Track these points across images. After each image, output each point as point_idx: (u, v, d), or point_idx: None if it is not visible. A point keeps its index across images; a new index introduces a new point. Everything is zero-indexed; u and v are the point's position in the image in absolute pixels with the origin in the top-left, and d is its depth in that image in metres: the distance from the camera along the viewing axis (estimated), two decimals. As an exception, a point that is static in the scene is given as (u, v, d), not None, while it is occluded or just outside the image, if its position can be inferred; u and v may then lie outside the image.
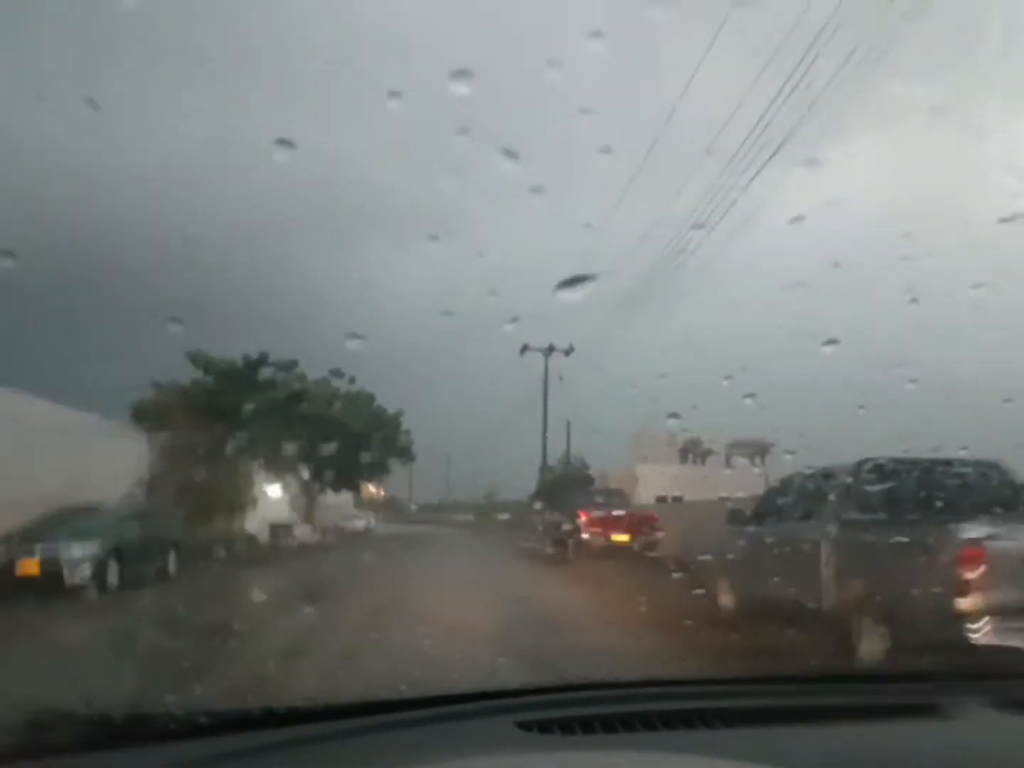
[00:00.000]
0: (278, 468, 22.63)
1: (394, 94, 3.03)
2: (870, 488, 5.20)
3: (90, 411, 16.46)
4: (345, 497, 35.85)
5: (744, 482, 19.49)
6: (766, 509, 6.52)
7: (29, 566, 9.50)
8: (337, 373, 23.69)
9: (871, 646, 4.43)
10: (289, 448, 22.09)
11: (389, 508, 51.32)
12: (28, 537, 9.94)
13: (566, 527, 14.86)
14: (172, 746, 1.18)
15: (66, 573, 9.44)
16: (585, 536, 13.92)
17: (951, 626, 4.04)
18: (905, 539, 4.57)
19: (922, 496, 5.16)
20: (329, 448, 24.84)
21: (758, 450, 48.25)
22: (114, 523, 10.99)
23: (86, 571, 9.68)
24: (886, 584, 4.51)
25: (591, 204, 29.87)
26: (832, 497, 5.42)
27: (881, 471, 5.25)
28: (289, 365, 21.39)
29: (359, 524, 32.97)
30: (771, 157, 10.56)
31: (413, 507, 55.48)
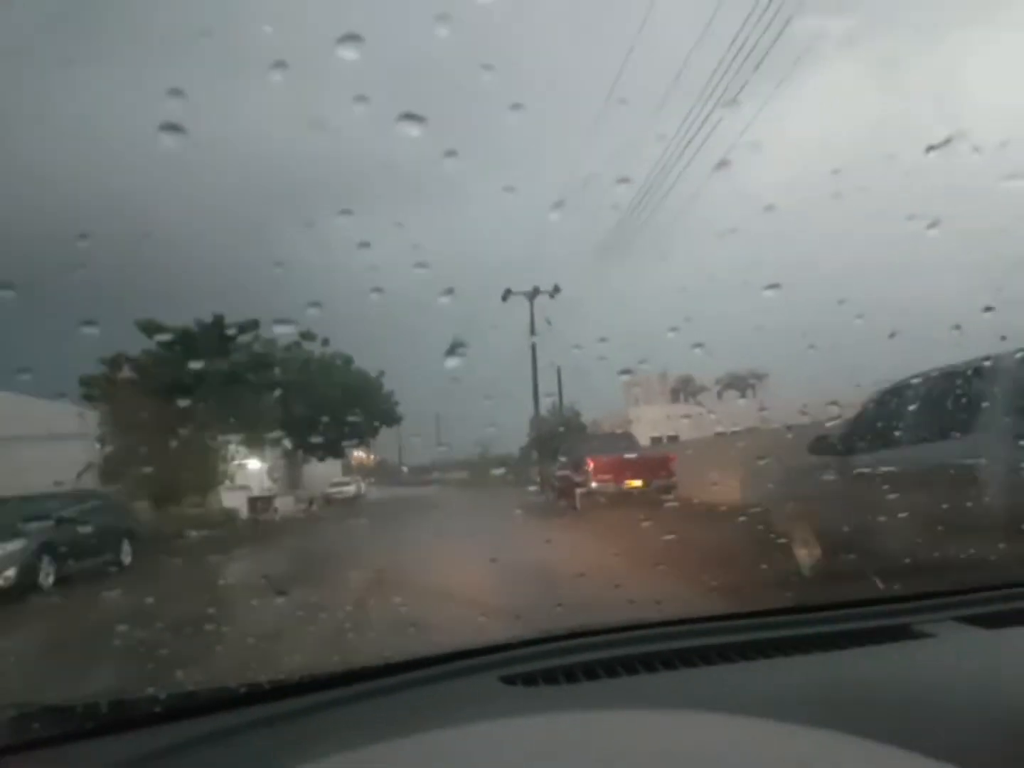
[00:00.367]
0: (253, 438, 20.94)
1: (278, 64, 2.82)
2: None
3: (34, 394, 14.81)
4: (332, 465, 34.62)
5: (741, 416, 18.49)
6: (865, 432, 4.99)
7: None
8: (308, 336, 21.95)
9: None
10: (264, 416, 20.38)
11: (380, 473, 50.46)
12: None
13: (572, 477, 13.39)
14: (159, 730, 1.18)
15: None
16: (594, 485, 12.48)
17: None
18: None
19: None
20: (308, 414, 23.46)
21: (753, 381, 47.66)
22: (45, 515, 9.35)
23: (9, 573, 8.18)
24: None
25: (509, 166, 28.36)
26: (991, 403, 3.88)
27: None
28: (249, 325, 19.41)
29: (348, 491, 31.61)
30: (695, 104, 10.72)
31: (404, 469, 54.59)
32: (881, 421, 4.99)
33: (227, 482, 19.68)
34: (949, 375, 4.52)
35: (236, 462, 19.24)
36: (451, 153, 3.17)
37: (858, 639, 1.47)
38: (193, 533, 14.01)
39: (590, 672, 1.36)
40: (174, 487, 15.52)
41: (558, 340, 28.67)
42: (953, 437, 4.15)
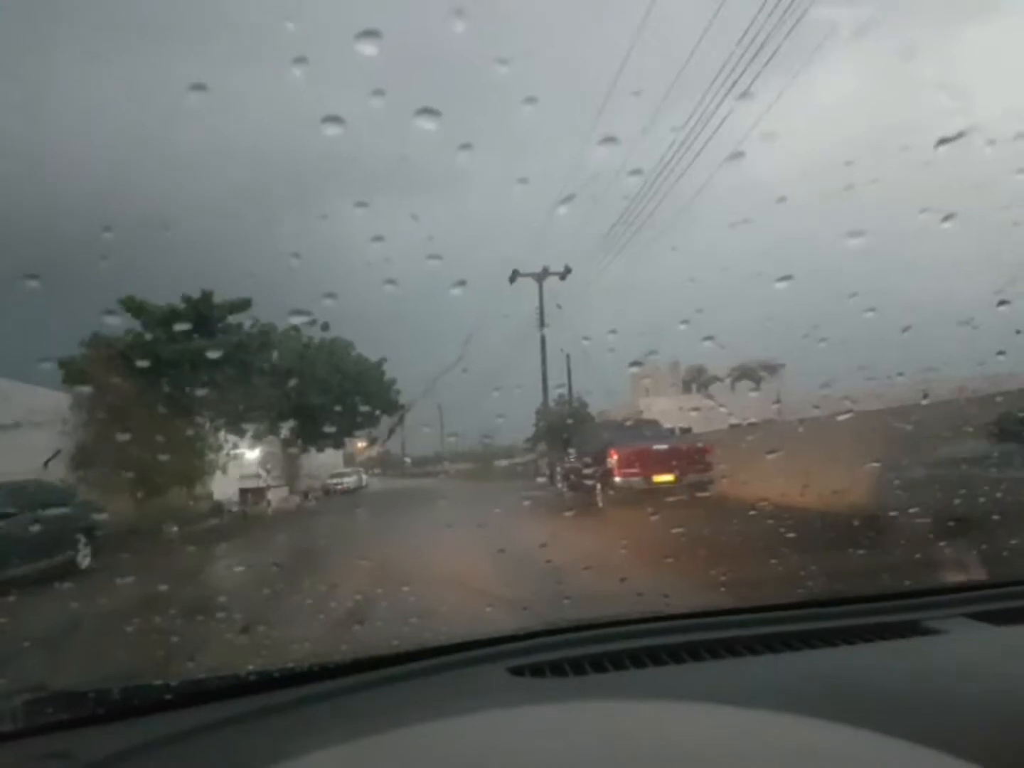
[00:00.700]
0: (246, 426, 19.62)
1: (299, 60, 2.71)
2: None
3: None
4: (333, 455, 33.58)
5: (753, 407, 17.25)
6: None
7: None
8: (297, 312, 20.56)
9: None
10: (256, 402, 19.03)
11: (382, 464, 49.59)
12: None
13: (591, 469, 11.99)
14: (170, 716, 1.19)
15: None
16: (618, 479, 11.08)
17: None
18: None
19: None
20: (306, 401, 22.22)
21: (766, 372, 46.15)
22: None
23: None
24: None
25: (523, 158, 28.76)
26: None
27: None
28: (240, 305, 17.93)
29: (349, 482, 30.60)
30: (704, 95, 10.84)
31: (407, 460, 53.69)
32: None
33: (218, 473, 18.39)
34: None
35: (226, 451, 17.86)
36: (466, 146, 3.19)
37: (867, 634, 1.45)
38: (174, 529, 12.84)
39: (598, 664, 1.36)
40: (155, 478, 14.20)
41: (567, 330, 27.86)
42: None
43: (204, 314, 16.89)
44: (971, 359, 5.69)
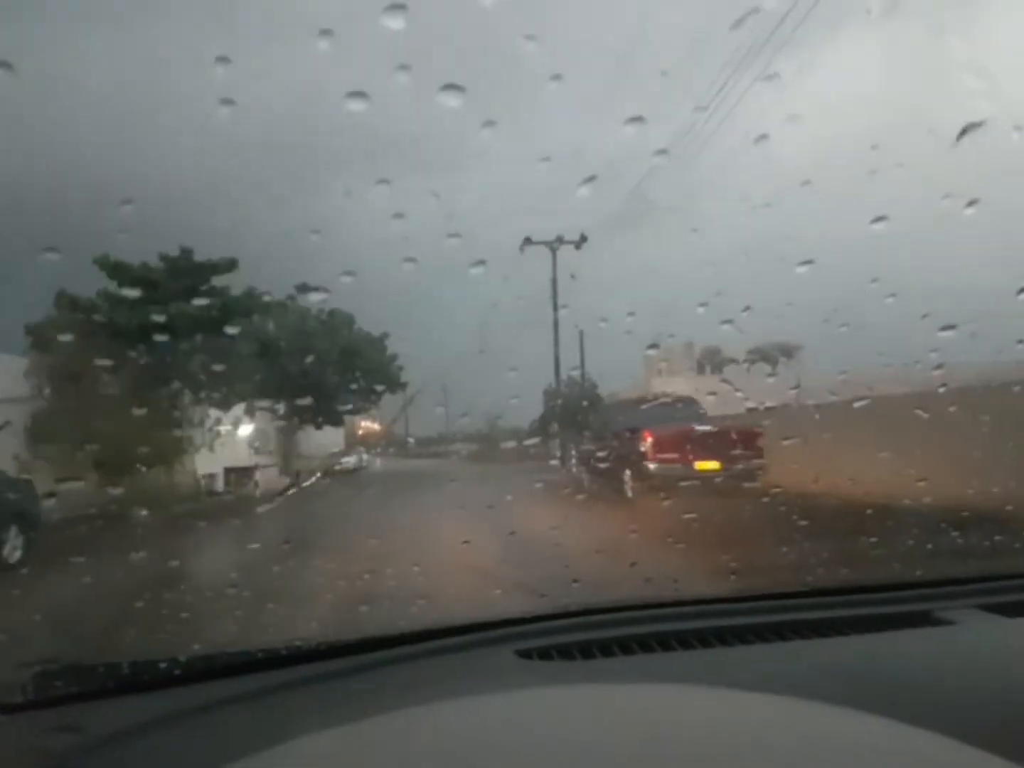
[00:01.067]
0: (233, 400, 18.03)
1: (325, 32, 2.59)
2: None
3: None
4: (333, 434, 32.24)
5: (770, 391, 15.77)
6: None
7: None
8: (304, 289, 18.96)
9: None
10: (246, 375, 17.42)
11: (385, 444, 48.35)
12: None
13: (618, 453, 10.33)
14: (180, 691, 1.19)
15: None
16: (653, 465, 9.44)
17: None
18: None
19: None
20: (302, 375, 20.65)
21: (784, 355, 44.38)
22: None
23: None
24: None
25: (547, 136, 28.33)
26: None
27: None
28: (224, 266, 16.18)
29: (349, 462, 29.37)
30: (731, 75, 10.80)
31: (411, 441, 52.43)
32: None
33: (203, 451, 16.84)
34: None
35: (208, 427, 16.24)
36: (490, 123, 3.15)
37: (877, 624, 1.45)
38: (143, 513, 11.32)
39: (606, 649, 1.37)
40: (124, 455, 12.62)
41: (581, 310, 26.91)
42: None
43: (184, 273, 15.18)
44: (991, 347, 5.62)
